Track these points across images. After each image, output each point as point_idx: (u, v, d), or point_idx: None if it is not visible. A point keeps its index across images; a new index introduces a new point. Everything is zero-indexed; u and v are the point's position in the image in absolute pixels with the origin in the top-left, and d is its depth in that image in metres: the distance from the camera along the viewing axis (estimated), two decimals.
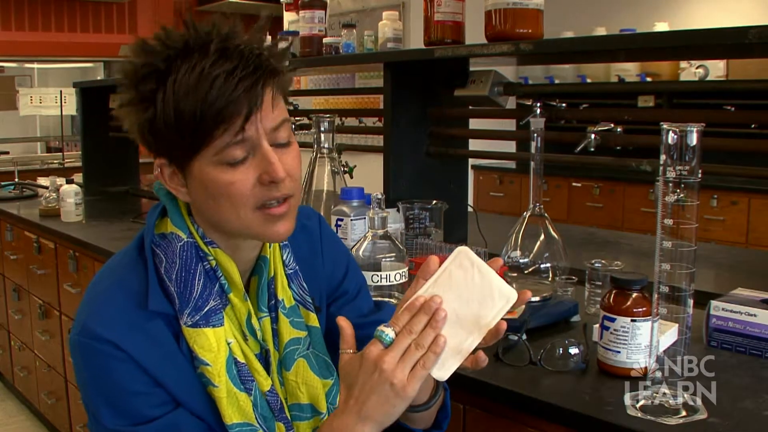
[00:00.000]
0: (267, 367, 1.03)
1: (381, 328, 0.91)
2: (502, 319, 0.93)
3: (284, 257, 1.08)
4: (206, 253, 0.99)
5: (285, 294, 1.07)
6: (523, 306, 1.51)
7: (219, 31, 0.92)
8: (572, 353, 1.34)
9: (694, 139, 1.05)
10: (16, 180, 4.19)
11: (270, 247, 1.06)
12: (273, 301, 1.05)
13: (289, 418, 1.04)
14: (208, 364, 0.95)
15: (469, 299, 0.93)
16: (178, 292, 0.96)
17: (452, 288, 0.94)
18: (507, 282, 0.94)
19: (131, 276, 0.98)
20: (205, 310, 0.97)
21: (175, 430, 0.95)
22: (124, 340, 0.93)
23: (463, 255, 0.94)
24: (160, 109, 0.90)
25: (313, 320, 1.09)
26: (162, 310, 0.96)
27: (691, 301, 1.10)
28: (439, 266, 0.95)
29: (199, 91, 0.88)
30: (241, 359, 0.99)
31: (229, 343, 0.98)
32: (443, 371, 0.92)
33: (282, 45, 0.99)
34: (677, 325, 1.13)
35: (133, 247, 1.02)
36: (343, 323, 0.97)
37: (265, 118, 0.92)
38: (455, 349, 0.92)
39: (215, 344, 0.96)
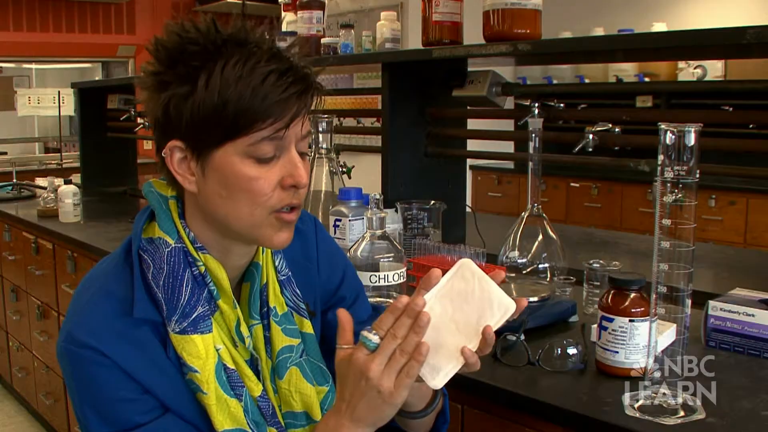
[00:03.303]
0: (257, 373, 1.02)
1: (364, 333, 0.91)
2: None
3: (276, 263, 1.07)
4: (195, 259, 0.98)
5: (277, 301, 1.05)
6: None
7: (265, 34, 0.94)
8: (570, 353, 1.34)
9: (692, 140, 1.05)
10: (14, 180, 4.18)
11: (263, 254, 1.05)
12: (265, 309, 1.04)
13: (282, 423, 1.03)
14: (196, 371, 0.94)
15: (469, 309, 0.94)
16: (165, 298, 0.95)
17: (453, 299, 0.95)
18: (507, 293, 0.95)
19: (117, 283, 0.97)
20: (193, 316, 0.95)
21: None
22: (109, 347, 0.92)
23: (465, 267, 0.95)
24: (201, 90, 0.89)
25: (307, 327, 1.08)
26: (148, 317, 0.95)
27: (689, 301, 1.10)
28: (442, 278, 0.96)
29: (250, 81, 0.89)
30: (230, 365, 0.98)
31: (218, 350, 0.97)
32: (439, 379, 0.92)
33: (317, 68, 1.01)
34: (675, 325, 1.13)
35: (119, 253, 1.00)
36: (343, 317, 0.96)
37: (301, 124, 0.94)
38: (452, 356, 0.92)
39: (203, 351, 0.95)
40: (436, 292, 0.94)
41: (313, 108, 0.98)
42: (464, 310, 0.94)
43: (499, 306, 0.93)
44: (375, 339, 0.91)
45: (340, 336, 0.95)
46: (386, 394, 0.89)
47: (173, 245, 0.97)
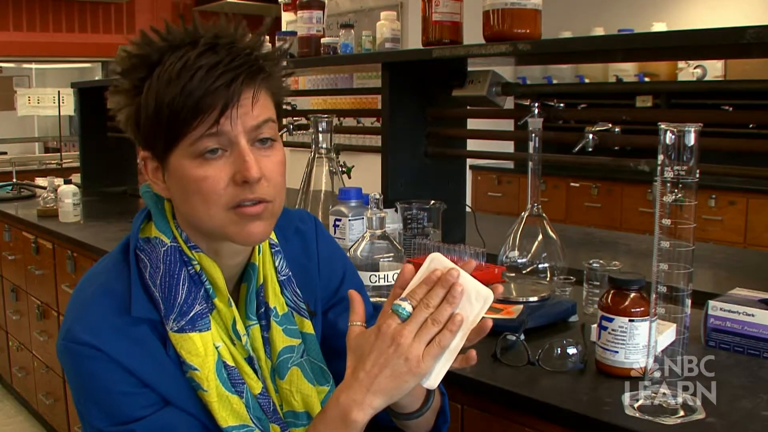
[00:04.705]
0: (256, 371, 1.02)
1: (398, 301, 0.91)
2: (492, 320, 0.93)
3: (276, 263, 1.07)
4: (190, 258, 0.98)
5: (277, 301, 1.05)
6: (521, 306, 1.52)
7: (214, 28, 0.93)
8: (570, 353, 1.34)
9: (692, 139, 1.05)
10: (14, 180, 4.18)
11: (259, 254, 1.04)
12: (262, 309, 1.04)
13: (283, 419, 1.03)
14: (196, 369, 0.95)
15: None
16: (162, 297, 0.96)
17: None
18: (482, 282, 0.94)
19: (116, 281, 0.97)
20: (191, 314, 0.96)
21: (166, 427, 0.94)
22: (108, 344, 0.92)
23: (437, 261, 0.94)
24: (143, 99, 0.91)
25: (308, 327, 1.08)
26: (146, 316, 0.95)
27: (689, 301, 1.10)
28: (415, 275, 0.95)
29: (180, 82, 0.89)
30: (230, 363, 0.98)
31: (217, 347, 0.97)
32: (432, 379, 0.91)
33: (281, 48, 0.99)
34: (675, 325, 1.13)
35: (117, 252, 1.01)
36: (354, 295, 0.97)
37: (244, 115, 0.92)
38: (441, 355, 0.91)
39: (202, 349, 0.95)
40: (411, 290, 0.93)
41: (268, 91, 0.96)
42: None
43: (477, 297, 0.92)
44: (408, 307, 0.91)
45: (353, 313, 0.96)
46: (414, 362, 0.88)
47: (169, 244, 0.98)
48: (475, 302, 0.92)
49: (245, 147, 0.92)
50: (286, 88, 1.02)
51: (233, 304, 1.01)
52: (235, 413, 0.97)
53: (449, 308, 0.90)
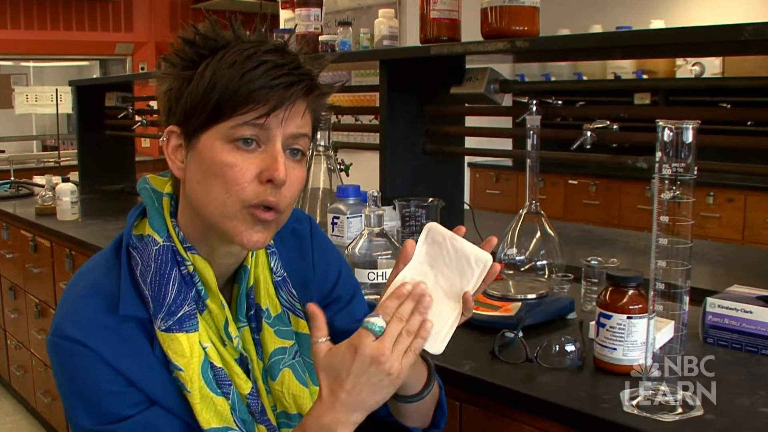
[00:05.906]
0: (248, 372, 1.02)
1: (368, 318, 0.90)
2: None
3: (271, 264, 1.07)
4: (184, 258, 0.97)
5: (271, 302, 1.05)
6: (519, 303, 1.52)
7: (284, 39, 0.97)
8: (568, 350, 1.34)
9: (690, 137, 1.05)
10: (12, 178, 4.16)
11: (252, 257, 1.04)
12: (252, 311, 1.04)
13: (272, 421, 1.02)
14: (181, 369, 0.94)
15: (450, 272, 0.96)
16: (152, 296, 0.95)
17: (432, 265, 0.97)
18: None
19: (106, 279, 0.97)
20: (179, 315, 0.95)
21: (150, 428, 0.94)
22: (95, 341, 0.92)
23: (434, 230, 0.97)
24: (198, 74, 0.92)
25: (303, 327, 1.07)
26: (134, 314, 0.95)
27: (687, 298, 1.10)
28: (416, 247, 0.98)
29: (242, 68, 0.91)
30: (218, 363, 0.97)
31: (204, 348, 0.97)
32: (439, 344, 0.94)
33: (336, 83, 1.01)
34: (673, 322, 1.13)
35: (110, 249, 1.01)
36: (314, 309, 0.95)
37: (290, 120, 0.93)
38: (445, 320, 0.94)
39: (188, 349, 0.95)
40: (415, 263, 0.96)
41: (312, 113, 0.98)
42: (445, 273, 0.96)
43: (476, 261, 0.95)
44: (380, 322, 0.91)
45: (316, 329, 0.94)
46: (395, 375, 0.89)
47: (161, 243, 0.97)
48: (475, 266, 0.95)
49: (279, 149, 0.93)
50: (323, 117, 1.05)
51: (226, 306, 1.01)
52: (219, 415, 0.96)
53: (420, 318, 0.91)
